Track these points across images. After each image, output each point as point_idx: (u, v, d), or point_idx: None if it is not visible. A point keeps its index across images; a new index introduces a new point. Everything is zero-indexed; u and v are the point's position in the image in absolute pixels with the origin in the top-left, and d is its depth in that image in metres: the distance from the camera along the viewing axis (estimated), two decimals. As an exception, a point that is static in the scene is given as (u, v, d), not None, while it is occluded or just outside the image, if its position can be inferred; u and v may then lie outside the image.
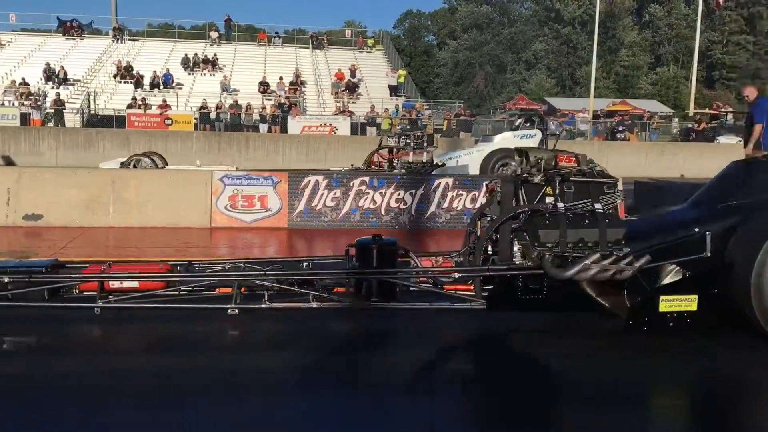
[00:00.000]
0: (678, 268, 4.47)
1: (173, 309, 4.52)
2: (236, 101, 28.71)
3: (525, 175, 4.62)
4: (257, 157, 18.98)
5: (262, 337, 4.60)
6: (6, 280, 4.37)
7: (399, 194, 9.13)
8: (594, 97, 35.86)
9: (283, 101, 29.76)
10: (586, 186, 4.51)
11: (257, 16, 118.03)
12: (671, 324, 4.31)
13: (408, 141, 11.77)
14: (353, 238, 4.90)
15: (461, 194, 9.14)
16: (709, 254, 4.31)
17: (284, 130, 26.05)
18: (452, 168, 12.34)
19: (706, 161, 17.73)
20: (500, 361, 4.23)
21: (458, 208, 9.12)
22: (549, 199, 4.48)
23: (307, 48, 38.74)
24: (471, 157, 13.31)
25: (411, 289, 4.65)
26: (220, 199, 9.09)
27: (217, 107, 27.89)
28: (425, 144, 11.85)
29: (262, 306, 4.41)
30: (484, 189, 5.12)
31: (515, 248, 4.51)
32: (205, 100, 28.05)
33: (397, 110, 29.85)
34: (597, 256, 4.24)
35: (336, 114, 29.03)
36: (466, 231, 5.02)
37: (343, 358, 4.22)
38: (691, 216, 4.93)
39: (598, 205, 4.46)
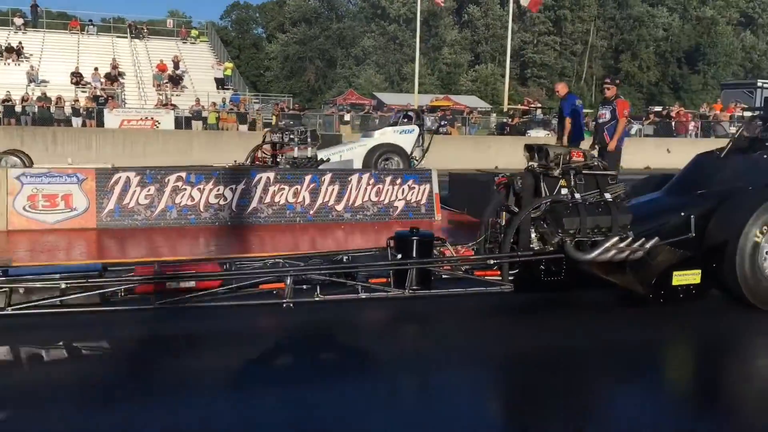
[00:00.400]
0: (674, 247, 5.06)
1: (229, 306, 4.51)
2: (45, 93, 26.40)
3: (541, 169, 5.06)
4: (67, 153, 17.53)
5: (316, 328, 4.67)
6: (63, 285, 4.16)
7: (219, 190, 8.83)
8: (419, 92, 37.23)
9: (99, 93, 27.80)
10: (594, 178, 5.06)
11: (70, 3, 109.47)
12: (681, 296, 4.87)
13: (292, 136, 11.62)
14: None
15: (283, 188, 9.02)
16: (693, 234, 5.00)
17: (100, 124, 24.33)
18: (337, 163, 12.26)
19: (517, 153, 18.99)
20: (533, 334, 4.66)
21: (280, 203, 8.99)
22: (563, 191, 4.97)
23: (125, 38, 36.51)
24: (354, 152, 13.21)
25: (443, 276, 4.88)
26: (17, 199, 8.27)
27: (23, 100, 25.47)
28: (309, 139, 11.78)
29: (316, 299, 4.50)
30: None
31: (533, 235, 4.95)
32: (8, 92, 25.50)
33: (224, 103, 29.03)
34: (616, 239, 4.75)
35: (158, 107, 27.63)
36: (482, 221, 5.28)
37: (407, 340, 4.64)
38: (673, 203, 5.53)
39: (608, 195, 5.01)
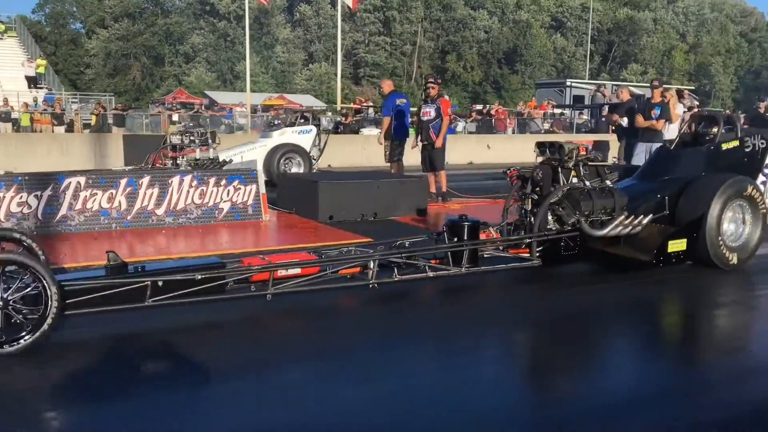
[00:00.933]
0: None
1: (327, 288, 5.16)
2: None
3: (556, 162, 6.02)
4: None
5: (401, 302, 5.50)
6: (199, 277, 4.58)
7: (21, 197, 8.08)
8: (252, 91, 36.57)
9: None
10: (595, 168, 6.14)
11: None
12: (674, 260, 6.11)
13: (192, 138, 11.47)
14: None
15: (96, 193, 8.41)
16: (667, 212, 6.33)
17: None
18: (239, 163, 11.97)
19: (350, 150, 19.23)
20: (557, 298, 5.71)
21: (93, 209, 8.39)
22: (574, 180, 6.01)
23: None
24: (255, 152, 13.08)
25: (485, 255, 5.79)
26: None
27: None
28: (210, 140, 11.62)
29: (395, 279, 5.30)
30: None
31: (549, 217, 5.93)
32: None
33: (37, 103, 26.76)
34: (623, 217, 6.01)
35: (-43, 108, 24.90)
36: (505, 207, 6.20)
37: (469, 306, 5.50)
38: (647, 187, 6.68)
39: (608, 182, 6.11)
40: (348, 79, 73.82)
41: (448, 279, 5.68)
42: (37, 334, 4.01)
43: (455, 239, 5.65)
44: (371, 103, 33.44)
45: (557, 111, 27.40)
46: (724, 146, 6.87)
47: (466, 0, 78.22)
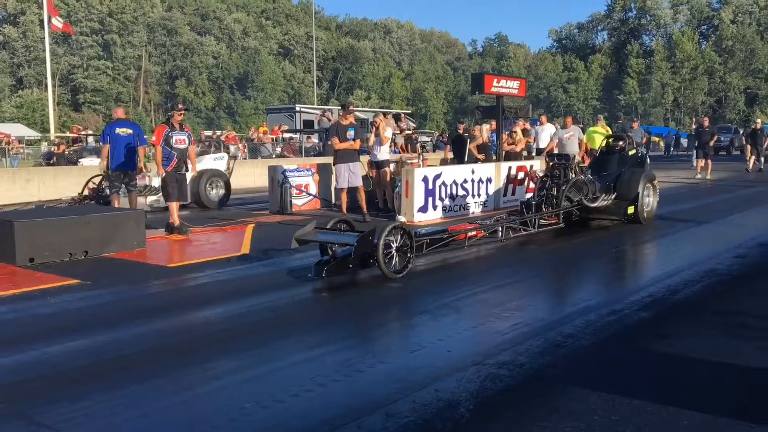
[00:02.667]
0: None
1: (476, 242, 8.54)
2: None
3: (564, 167, 10.05)
4: None
5: (519, 249, 8.90)
6: (445, 236, 8.02)
7: None
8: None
9: None
10: (580, 169, 10.59)
11: None
12: (631, 218, 10.32)
13: None
14: None
15: None
16: (615, 193, 10.32)
17: None
18: None
19: (65, 184, 17.51)
20: (571, 243, 9.77)
21: None
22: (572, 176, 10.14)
23: None
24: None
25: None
26: None
27: None
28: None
29: (512, 235, 9.07)
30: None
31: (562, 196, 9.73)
32: None
33: None
34: (605, 195, 10.13)
35: None
36: (535, 191, 9.95)
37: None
38: (600, 178, 10.53)
39: (589, 176, 10.46)
40: (66, 105, 68.07)
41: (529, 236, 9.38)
42: (410, 265, 6.97)
43: (529, 213, 9.42)
44: (90, 132, 31.04)
45: (287, 135, 27.91)
46: (630, 153, 11.34)
47: (191, 25, 76.84)
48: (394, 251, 6.81)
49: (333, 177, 13.35)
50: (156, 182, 12.89)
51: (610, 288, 6.92)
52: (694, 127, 24.76)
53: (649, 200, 10.68)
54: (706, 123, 20.70)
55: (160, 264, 7.97)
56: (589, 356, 4.51)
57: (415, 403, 3.67)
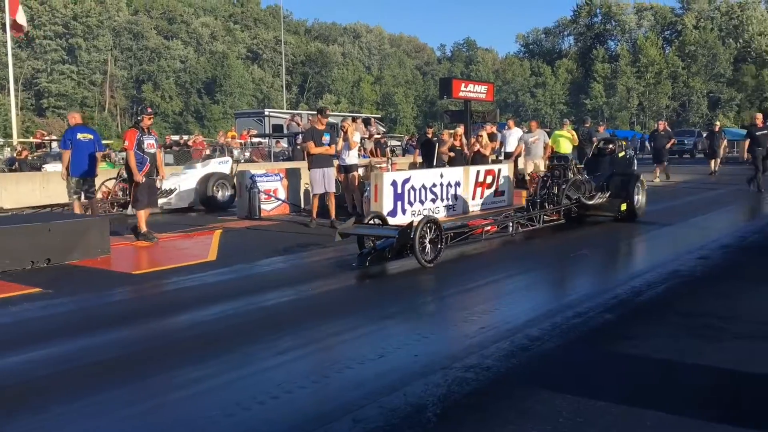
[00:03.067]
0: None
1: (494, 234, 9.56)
2: None
3: (563, 167, 10.88)
4: None
5: (523, 242, 9.74)
6: (467, 230, 8.95)
7: None
8: None
9: None
10: (578, 170, 11.13)
11: None
12: (625, 215, 10.96)
13: None
14: None
15: None
16: (609, 191, 11.05)
17: None
18: (177, 193, 13.98)
19: (27, 189, 17.17)
20: (568, 236, 10.67)
21: None
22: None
23: None
24: (188, 182, 14.25)
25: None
26: None
27: None
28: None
29: (520, 230, 9.84)
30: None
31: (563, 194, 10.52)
32: None
33: None
34: (600, 193, 10.83)
35: None
36: (537, 188, 10.76)
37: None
38: (594, 178, 11.25)
39: (585, 176, 11.10)
40: (30, 110, 66.87)
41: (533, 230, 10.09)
42: (439, 255, 7.73)
43: (534, 210, 10.25)
44: (54, 137, 30.48)
45: (256, 140, 27.73)
46: (620, 155, 12.26)
47: (158, 29, 76.05)
48: (427, 242, 7.59)
49: (303, 182, 13.32)
50: (167, 184, 13.60)
51: (576, 290, 6.98)
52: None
53: (639, 198, 11.38)
54: (662, 127, 20.91)
55: (125, 271, 7.85)
56: (554, 359, 4.56)
57: (383, 408, 3.67)
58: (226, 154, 16.46)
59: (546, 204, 10.47)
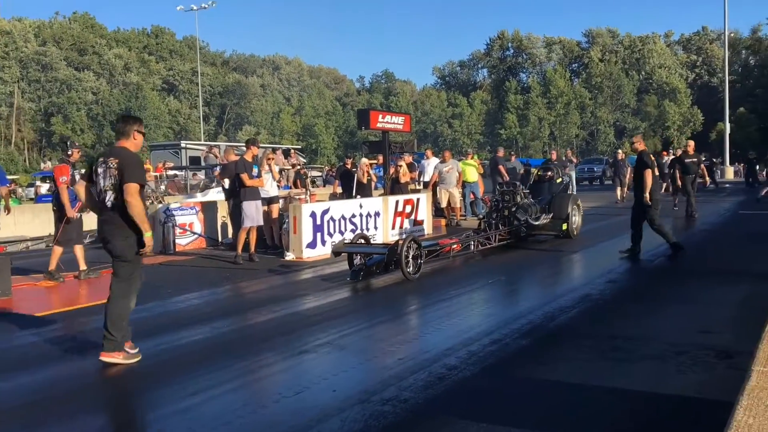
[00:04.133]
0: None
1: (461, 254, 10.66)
2: None
3: (512, 191, 12.13)
4: None
5: (480, 260, 10.78)
6: (438, 248, 9.91)
7: None
8: None
9: None
10: (524, 197, 12.20)
11: None
12: (565, 234, 12.36)
13: None
14: None
15: None
16: (551, 213, 12.32)
17: None
18: None
19: None
20: (519, 256, 11.75)
21: None
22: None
23: None
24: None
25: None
26: None
27: None
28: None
29: (480, 248, 10.97)
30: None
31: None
32: None
33: None
34: (544, 215, 12.08)
35: None
36: (491, 211, 12.00)
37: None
38: (538, 201, 12.36)
39: (531, 200, 12.17)
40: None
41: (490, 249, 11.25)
42: (420, 269, 8.90)
43: (489, 230, 11.37)
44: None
45: (171, 173, 27.07)
46: (558, 180, 13.48)
47: (68, 60, 73.67)
48: (410, 259, 8.71)
49: (220, 215, 13.05)
50: None
51: (491, 317, 7.03)
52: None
53: (576, 218, 12.77)
54: (554, 156, 22.18)
55: (28, 313, 7.42)
56: (471, 387, 4.57)
57: (297, 447, 3.57)
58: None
59: (500, 225, 11.67)
